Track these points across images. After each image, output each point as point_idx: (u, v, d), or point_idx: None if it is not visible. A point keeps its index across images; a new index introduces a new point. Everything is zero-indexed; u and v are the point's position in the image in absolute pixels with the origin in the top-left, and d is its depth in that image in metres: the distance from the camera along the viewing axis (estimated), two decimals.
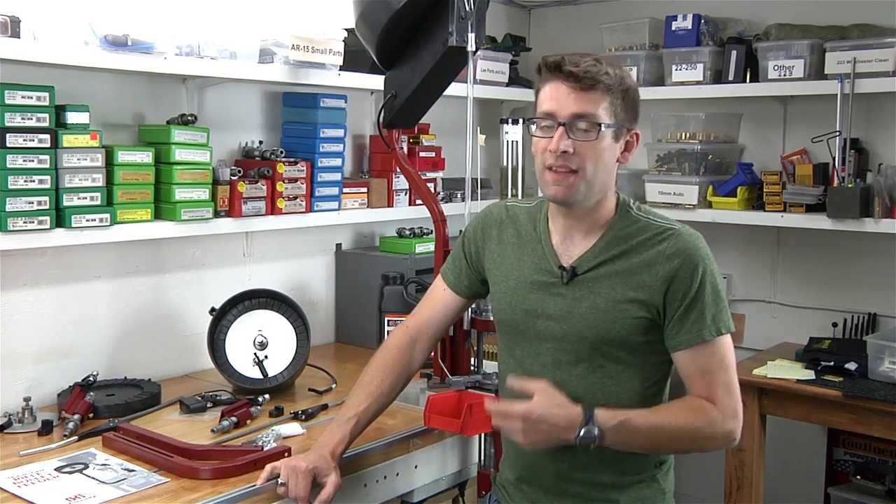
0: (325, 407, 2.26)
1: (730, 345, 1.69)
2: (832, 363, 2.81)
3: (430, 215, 2.44)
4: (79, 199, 2.14)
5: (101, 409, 2.13)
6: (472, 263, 1.92)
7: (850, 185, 2.89)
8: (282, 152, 2.67)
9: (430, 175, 3.13)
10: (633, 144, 1.74)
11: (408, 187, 3.04)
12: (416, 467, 2.12)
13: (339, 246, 3.09)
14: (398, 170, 2.93)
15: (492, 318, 2.20)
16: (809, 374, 2.80)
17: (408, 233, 3.06)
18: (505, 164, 2.50)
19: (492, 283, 1.88)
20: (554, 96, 1.66)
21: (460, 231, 2.24)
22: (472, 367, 2.31)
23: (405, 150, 3.00)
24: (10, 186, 2.02)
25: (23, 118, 2.04)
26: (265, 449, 1.89)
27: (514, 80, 3.47)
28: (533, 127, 1.71)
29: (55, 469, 1.82)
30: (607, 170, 1.70)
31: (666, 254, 1.67)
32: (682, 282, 1.65)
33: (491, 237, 1.89)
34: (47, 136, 2.08)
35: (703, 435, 1.65)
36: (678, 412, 1.66)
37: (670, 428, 1.64)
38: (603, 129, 1.65)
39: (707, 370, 1.66)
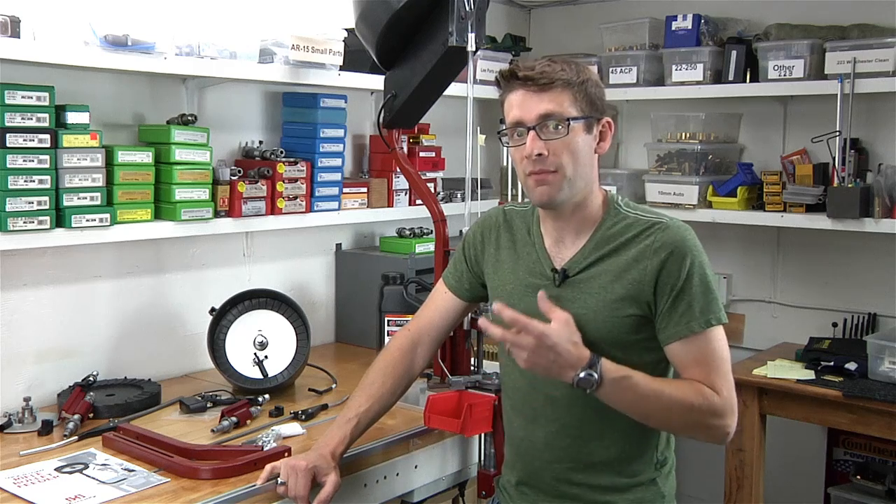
0: (325, 407, 2.26)
1: (722, 337, 1.66)
2: (832, 363, 2.81)
3: (430, 215, 2.44)
4: (79, 199, 2.14)
5: (101, 409, 2.13)
6: (472, 267, 1.93)
7: (850, 185, 2.89)
8: (282, 152, 2.67)
9: (430, 175, 3.13)
10: (608, 133, 1.74)
11: (408, 187, 3.04)
12: (416, 467, 2.12)
13: (339, 246, 3.09)
14: (398, 170, 2.93)
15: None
16: (809, 374, 2.80)
17: (408, 233, 3.06)
18: (505, 164, 2.50)
19: (490, 287, 1.88)
20: (517, 103, 1.68)
21: (460, 231, 2.24)
22: (472, 367, 2.31)
23: (405, 150, 3.00)
24: (10, 186, 2.02)
25: (23, 118, 2.04)
26: (265, 449, 1.89)
27: None
28: (506, 139, 1.72)
29: (55, 469, 1.82)
30: (586, 163, 1.70)
31: (653, 248, 1.66)
32: (669, 274, 1.64)
33: (490, 241, 1.89)
34: (47, 136, 2.08)
35: (699, 417, 1.61)
36: (681, 387, 1.63)
37: (668, 398, 1.61)
38: (572, 123, 1.65)
39: (700, 362, 1.64)
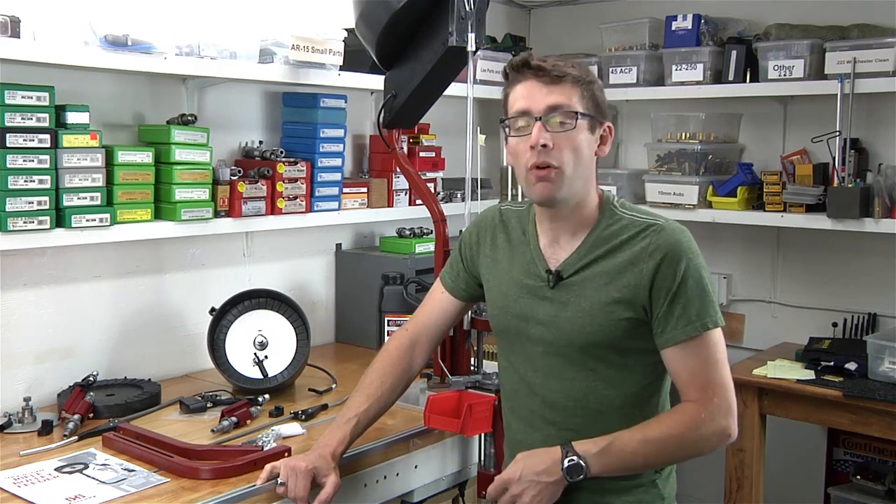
0: (325, 407, 2.26)
1: (719, 340, 1.66)
2: (832, 363, 2.81)
3: (430, 215, 2.44)
4: (79, 199, 2.14)
5: (101, 409, 2.13)
6: (469, 268, 1.92)
7: (850, 185, 2.89)
8: (282, 152, 2.67)
9: (430, 175, 3.13)
10: (608, 138, 1.73)
11: (408, 187, 3.04)
12: (416, 467, 2.12)
13: (339, 246, 3.09)
14: (398, 170, 2.93)
15: None
16: (809, 374, 2.80)
17: (408, 233, 3.06)
18: (505, 164, 2.50)
19: (486, 287, 1.87)
20: (526, 94, 1.67)
21: (460, 231, 2.24)
22: (472, 367, 2.31)
23: (405, 150, 3.00)
24: (10, 186, 2.02)
25: (23, 118, 2.04)
26: (265, 449, 1.89)
27: None
28: (508, 130, 1.71)
29: (55, 469, 1.82)
30: (586, 163, 1.69)
31: (648, 250, 1.65)
32: (665, 277, 1.63)
33: (485, 242, 1.88)
34: (47, 136, 2.08)
35: (693, 439, 1.62)
36: (660, 422, 1.64)
37: (655, 440, 1.62)
38: (579, 118, 1.65)
39: (695, 367, 1.64)
